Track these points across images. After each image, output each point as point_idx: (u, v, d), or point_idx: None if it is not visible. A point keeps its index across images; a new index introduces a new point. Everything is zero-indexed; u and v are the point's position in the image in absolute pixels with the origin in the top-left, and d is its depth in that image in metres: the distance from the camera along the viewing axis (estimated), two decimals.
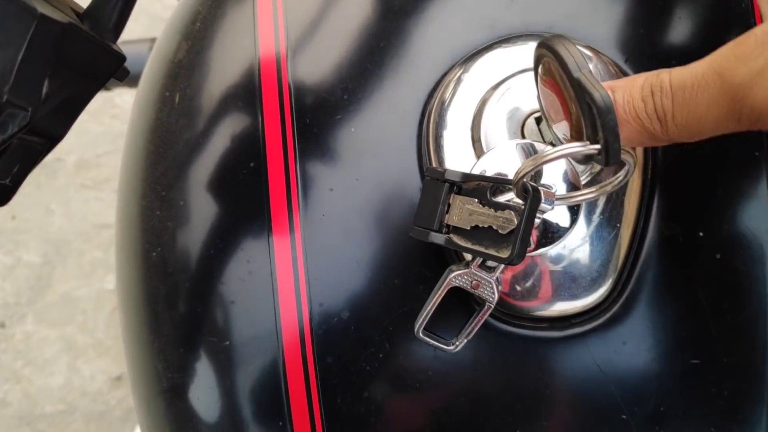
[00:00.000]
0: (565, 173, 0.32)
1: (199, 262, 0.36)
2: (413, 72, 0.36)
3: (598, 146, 0.26)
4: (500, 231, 0.28)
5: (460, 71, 0.35)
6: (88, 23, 0.31)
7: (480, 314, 0.31)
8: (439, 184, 0.31)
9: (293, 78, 0.37)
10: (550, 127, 0.31)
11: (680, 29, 0.36)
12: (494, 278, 0.31)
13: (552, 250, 0.33)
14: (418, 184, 0.35)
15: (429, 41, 0.37)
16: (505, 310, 0.34)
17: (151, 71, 0.43)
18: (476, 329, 0.31)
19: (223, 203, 0.37)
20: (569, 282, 0.34)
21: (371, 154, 0.36)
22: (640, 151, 0.35)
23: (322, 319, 0.34)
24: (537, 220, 0.29)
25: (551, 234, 0.32)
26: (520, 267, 0.34)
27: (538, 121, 0.34)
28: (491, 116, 0.34)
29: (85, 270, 1.50)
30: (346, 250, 0.35)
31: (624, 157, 0.27)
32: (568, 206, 0.32)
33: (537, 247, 0.32)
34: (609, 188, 0.29)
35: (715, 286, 0.34)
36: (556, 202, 0.29)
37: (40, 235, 1.54)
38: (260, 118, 0.36)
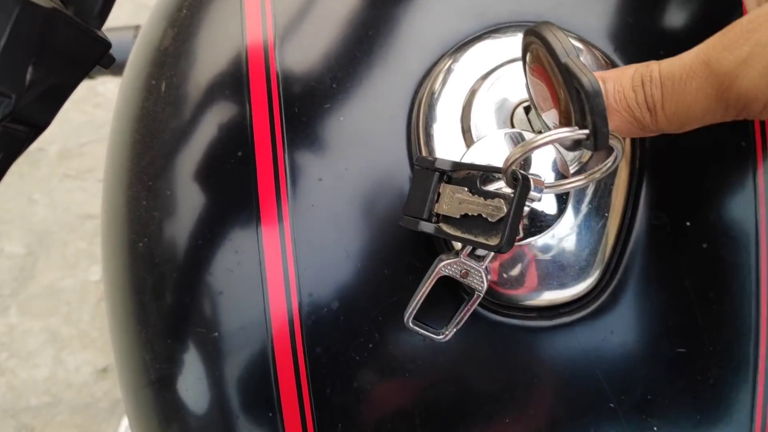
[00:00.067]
0: (554, 162, 0.32)
1: (187, 253, 0.36)
2: (403, 61, 0.36)
3: (586, 131, 0.26)
4: (490, 219, 0.28)
5: (450, 61, 0.35)
6: (72, 9, 0.30)
7: (469, 303, 0.31)
8: (429, 173, 0.31)
9: (281, 66, 0.37)
10: (539, 115, 0.31)
11: (669, 20, 0.36)
12: (483, 267, 0.31)
13: (540, 240, 0.33)
14: (407, 174, 0.35)
15: (418, 30, 0.37)
16: (493, 299, 0.34)
17: (136, 59, 0.42)
18: (465, 318, 0.31)
19: (211, 193, 0.36)
20: (557, 271, 0.34)
21: (361, 144, 0.35)
22: (627, 141, 0.35)
23: (312, 309, 0.34)
24: (526, 209, 0.29)
25: (539, 223, 0.32)
26: (508, 256, 0.34)
27: (527, 110, 0.34)
28: (481, 106, 0.34)
29: (69, 261, 1.49)
30: (335, 240, 0.35)
31: (612, 142, 0.27)
32: (557, 196, 0.32)
33: (525, 237, 0.32)
34: (598, 175, 0.30)
35: (701, 275, 0.34)
36: (545, 190, 0.29)
37: (22, 226, 1.53)
38: (248, 107, 0.36)
